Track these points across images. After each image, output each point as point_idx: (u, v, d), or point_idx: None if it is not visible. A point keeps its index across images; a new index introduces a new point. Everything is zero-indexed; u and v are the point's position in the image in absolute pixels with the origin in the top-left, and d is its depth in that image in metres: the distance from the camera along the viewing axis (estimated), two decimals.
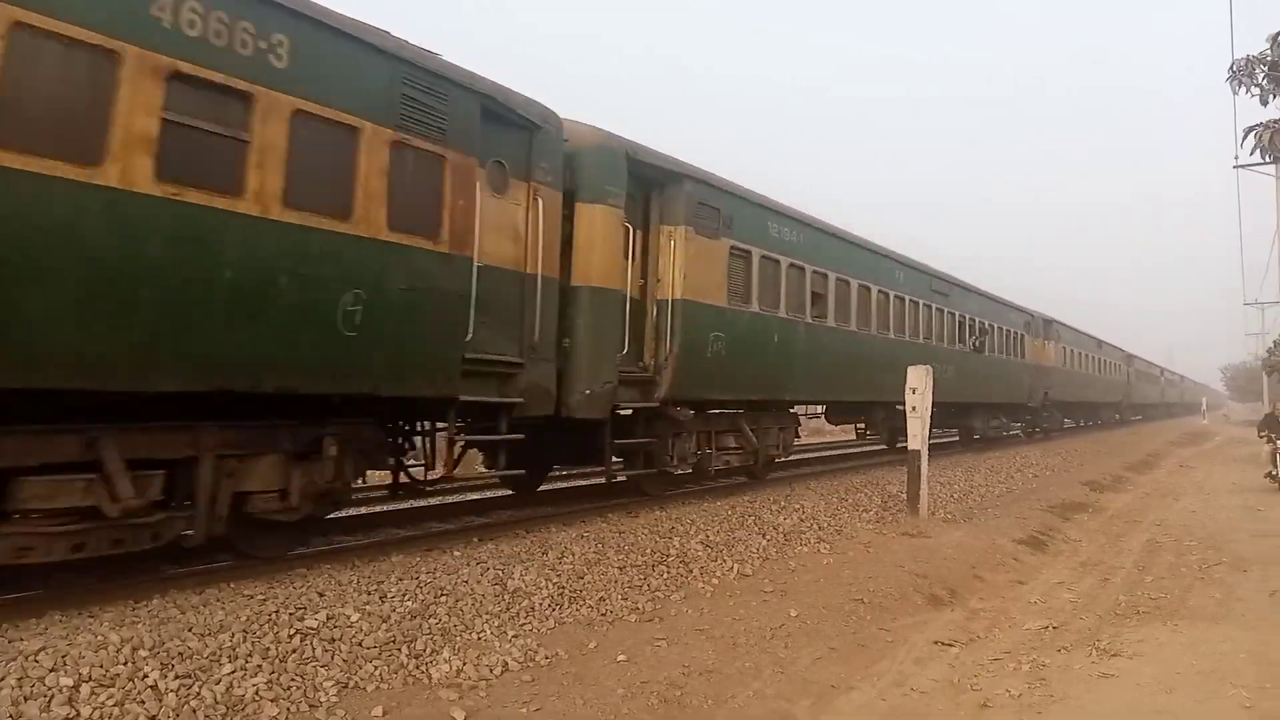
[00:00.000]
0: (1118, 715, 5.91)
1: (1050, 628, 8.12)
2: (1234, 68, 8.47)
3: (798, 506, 12.18)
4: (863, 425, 22.08)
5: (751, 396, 14.17)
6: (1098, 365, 42.12)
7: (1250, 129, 8.00)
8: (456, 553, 8.30)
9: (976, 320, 24.71)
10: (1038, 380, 30.59)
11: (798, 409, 17.44)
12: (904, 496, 13.66)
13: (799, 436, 17.60)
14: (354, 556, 8.16)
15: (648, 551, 8.91)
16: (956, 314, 23.35)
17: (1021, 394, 29.20)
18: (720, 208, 13.09)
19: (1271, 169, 31.11)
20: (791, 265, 15.00)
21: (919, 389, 13.32)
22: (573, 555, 8.43)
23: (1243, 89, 8.44)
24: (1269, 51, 8.25)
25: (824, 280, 16.26)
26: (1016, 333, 28.53)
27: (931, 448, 14.45)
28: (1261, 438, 20.65)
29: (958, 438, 27.42)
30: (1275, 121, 7.87)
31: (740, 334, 13.39)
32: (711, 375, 12.77)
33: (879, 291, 18.70)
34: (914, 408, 13.32)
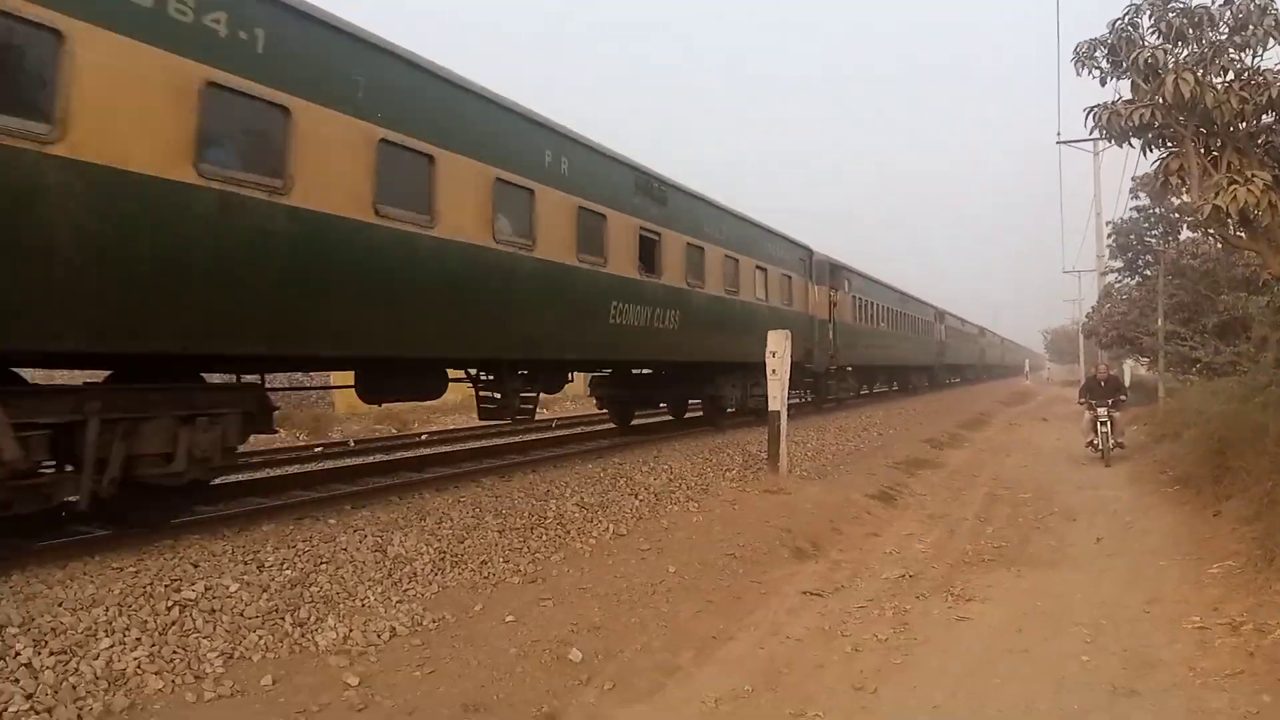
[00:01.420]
0: (976, 654, 6.39)
1: (907, 576, 8.65)
2: (1077, 50, 9.05)
3: (665, 467, 12.46)
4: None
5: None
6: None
7: (1090, 109, 8.59)
8: (332, 521, 8.15)
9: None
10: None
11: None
12: (763, 455, 14.15)
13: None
14: (222, 527, 7.91)
15: (525, 514, 8.98)
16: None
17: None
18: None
19: (1091, 146, 33.38)
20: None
21: (778, 352, 13.78)
22: (451, 520, 8.42)
23: (1085, 71, 9.03)
24: (1109, 36, 8.86)
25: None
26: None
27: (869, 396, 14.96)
28: (1081, 404, 19.04)
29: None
30: (1112, 103, 8.49)
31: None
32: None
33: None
34: (774, 370, 13.77)
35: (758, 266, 19.64)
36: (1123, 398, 18.34)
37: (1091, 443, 18.03)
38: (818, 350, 23.73)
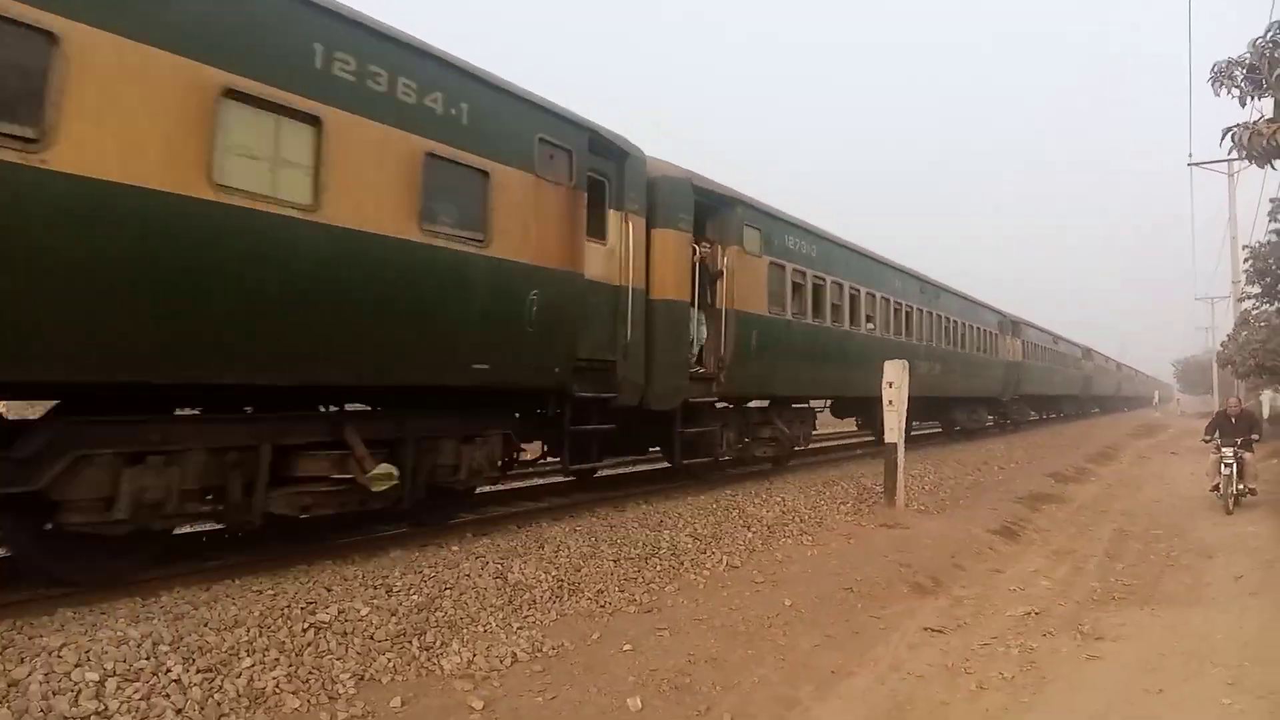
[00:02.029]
0: (1108, 694, 6.16)
1: (1033, 614, 8.38)
2: (1215, 69, 8.74)
3: (778, 499, 12.38)
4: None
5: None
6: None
7: (1228, 129, 8.26)
8: (454, 547, 8.37)
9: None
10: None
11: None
12: (877, 489, 13.93)
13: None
14: (352, 553, 8.20)
15: (639, 545, 9.05)
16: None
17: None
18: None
19: (1224, 168, 32.00)
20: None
21: (895, 383, 13.57)
22: (568, 549, 8.54)
23: (1224, 90, 8.70)
24: (1248, 55, 8.53)
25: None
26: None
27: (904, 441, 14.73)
28: (1206, 442, 16.98)
29: (940, 429, 28.98)
30: (1254, 123, 8.15)
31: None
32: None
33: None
34: (890, 401, 13.56)
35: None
36: (1255, 436, 15.87)
37: (1216, 486, 15.64)
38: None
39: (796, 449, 17.46)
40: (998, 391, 30.97)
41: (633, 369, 11.34)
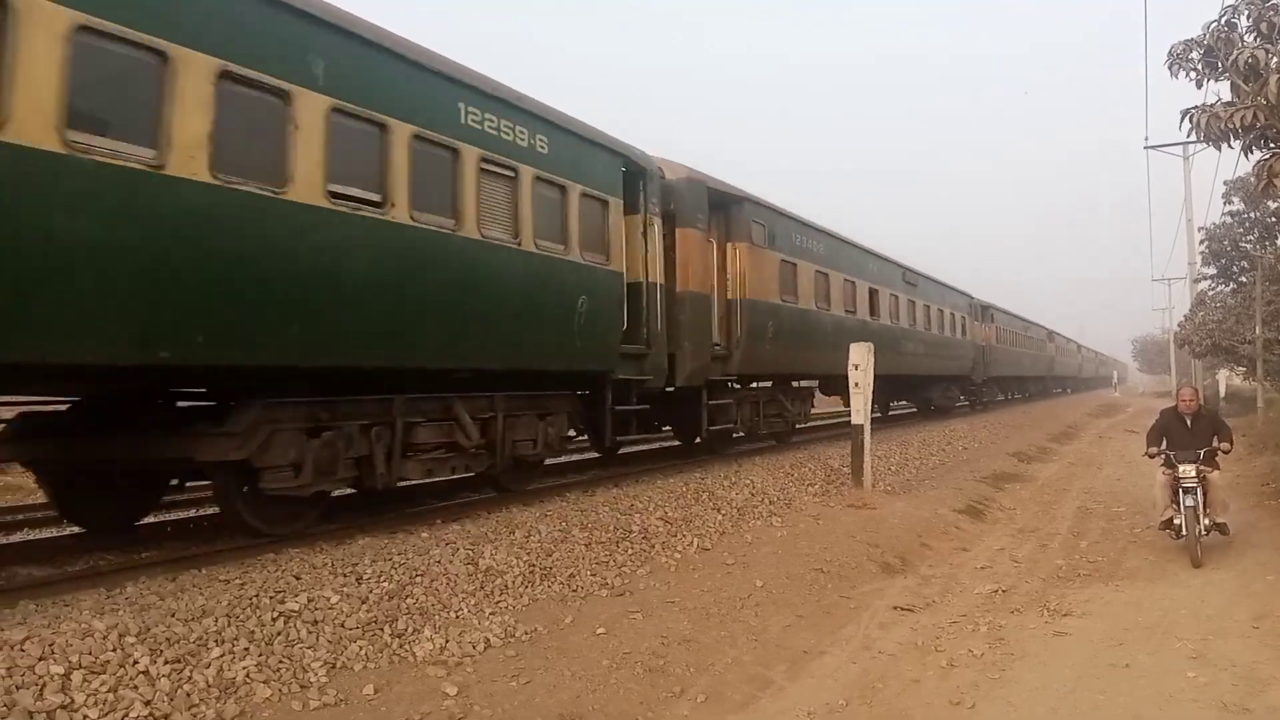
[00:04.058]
0: (1076, 669, 6.25)
1: (1000, 591, 8.49)
2: (1172, 52, 8.82)
3: (747, 481, 12.41)
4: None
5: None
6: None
7: (1186, 111, 8.34)
8: (424, 534, 8.31)
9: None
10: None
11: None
12: (844, 470, 14.03)
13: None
14: (320, 540, 8.12)
15: (611, 529, 9.03)
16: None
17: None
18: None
19: (1180, 150, 32.42)
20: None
21: (861, 365, 13.64)
22: (539, 534, 8.50)
23: (1181, 73, 8.79)
24: (1204, 37, 8.62)
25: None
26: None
27: (874, 420, 14.90)
28: (1152, 457, 10.78)
29: (915, 410, 31.47)
30: (1211, 106, 8.24)
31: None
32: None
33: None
34: (856, 384, 13.64)
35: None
36: (1224, 446, 10.09)
37: (1169, 521, 10.17)
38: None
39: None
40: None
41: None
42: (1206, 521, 9.85)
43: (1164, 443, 10.43)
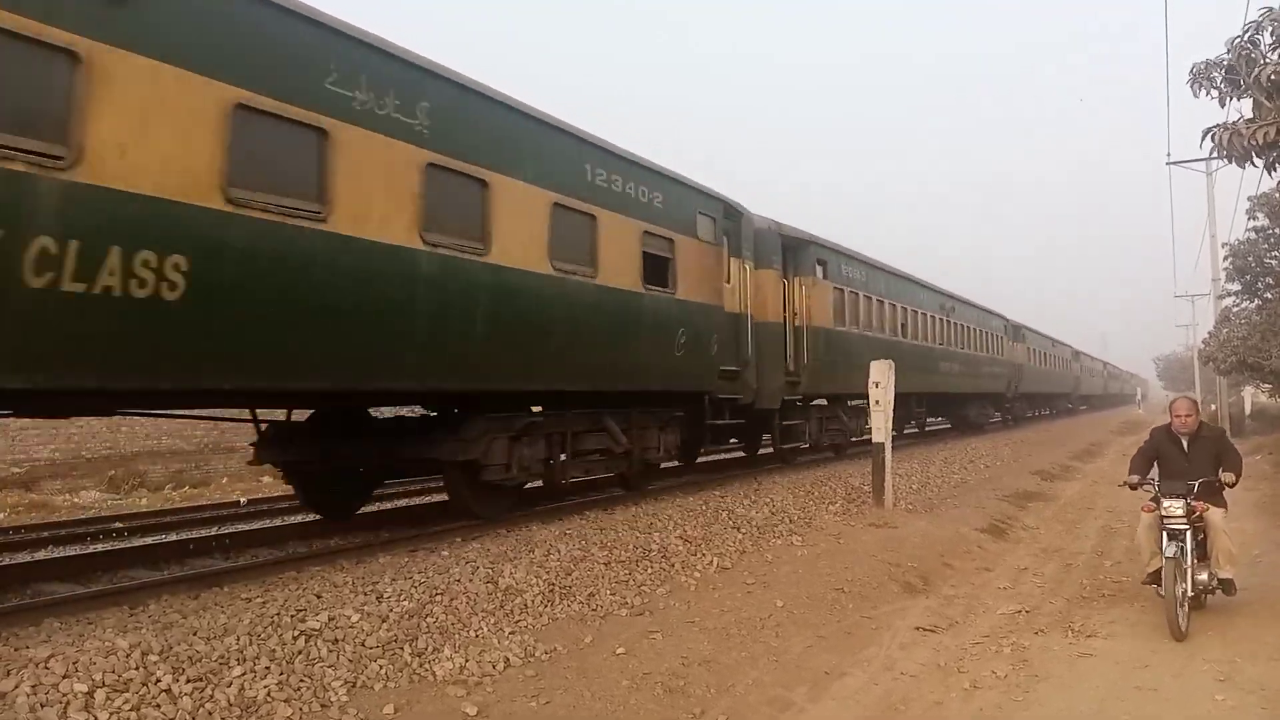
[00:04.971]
0: (1101, 691, 6.17)
1: (1023, 611, 8.40)
2: (1194, 71, 8.76)
3: (767, 500, 12.38)
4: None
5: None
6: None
7: (1208, 130, 8.27)
8: (444, 552, 8.34)
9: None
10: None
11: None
12: (865, 488, 13.95)
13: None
14: (341, 559, 8.16)
15: (630, 547, 9.02)
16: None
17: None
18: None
19: (1203, 167, 32.20)
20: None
21: (882, 383, 13.58)
22: (558, 552, 8.50)
23: (1203, 92, 8.74)
24: (1226, 56, 8.56)
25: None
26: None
27: (896, 439, 14.85)
28: (1134, 488, 8.13)
29: (949, 425, 33.09)
30: (1234, 123, 8.16)
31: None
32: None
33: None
34: (877, 401, 13.57)
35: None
36: (1229, 478, 7.76)
37: (1158, 574, 7.69)
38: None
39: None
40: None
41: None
42: (1204, 577, 7.68)
43: (1153, 470, 8.11)
